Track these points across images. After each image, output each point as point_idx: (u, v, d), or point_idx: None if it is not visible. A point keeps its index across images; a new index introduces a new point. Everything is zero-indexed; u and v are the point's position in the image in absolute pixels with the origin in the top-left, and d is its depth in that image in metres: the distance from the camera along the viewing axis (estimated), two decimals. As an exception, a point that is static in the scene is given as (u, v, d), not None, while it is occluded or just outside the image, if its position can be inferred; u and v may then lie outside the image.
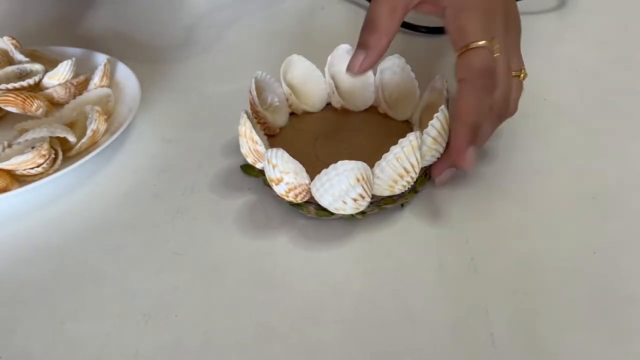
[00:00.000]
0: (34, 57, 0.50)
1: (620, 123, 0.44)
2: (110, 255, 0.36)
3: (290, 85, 0.43)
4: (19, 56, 0.48)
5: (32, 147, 0.39)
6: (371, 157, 0.34)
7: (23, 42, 0.50)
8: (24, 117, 0.44)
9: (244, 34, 0.59)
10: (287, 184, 0.34)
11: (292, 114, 0.43)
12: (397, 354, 0.30)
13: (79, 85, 0.47)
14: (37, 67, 0.47)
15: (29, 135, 0.40)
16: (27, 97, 0.43)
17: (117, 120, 0.44)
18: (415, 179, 0.35)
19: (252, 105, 0.40)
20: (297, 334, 0.31)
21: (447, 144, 0.36)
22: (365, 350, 0.30)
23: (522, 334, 0.30)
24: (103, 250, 0.36)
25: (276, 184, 0.34)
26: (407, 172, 0.34)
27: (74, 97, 0.46)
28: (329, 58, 0.43)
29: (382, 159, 0.33)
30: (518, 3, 0.41)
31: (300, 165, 0.34)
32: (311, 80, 0.44)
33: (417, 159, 0.34)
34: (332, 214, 0.35)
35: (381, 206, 0.36)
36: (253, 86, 0.40)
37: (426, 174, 0.38)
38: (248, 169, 0.40)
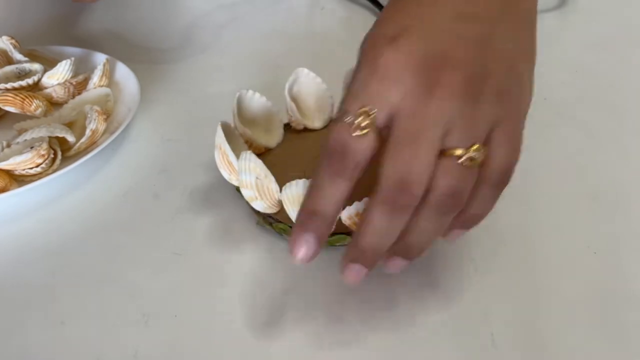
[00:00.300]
0: (33, 56, 0.50)
1: (620, 123, 0.44)
2: (109, 255, 0.36)
3: (294, 100, 0.41)
4: (18, 56, 0.48)
5: (31, 147, 0.39)
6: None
7: (22, 41, 0.50)
8: (23, 117, 0.44)
9: (244, 34, 0.59)
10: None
11: (291, 128, 0.42)
12: (397, 353, 0.30)
13: (78, 85, 0.47)
14: (36, 66, 0.47)
15: (28, 135, 0.40)
16: (26, 96, 0.43)
17: (117, 120, 0.44)
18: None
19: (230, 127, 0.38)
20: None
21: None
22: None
23: (522, 334, 0.30)
24: (103, 251, 0.36)
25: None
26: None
27: (73, 96, 0.46)
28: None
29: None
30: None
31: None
32: (317, 95, 0.42)
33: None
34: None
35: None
36: (235, 106, 0.38)
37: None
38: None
